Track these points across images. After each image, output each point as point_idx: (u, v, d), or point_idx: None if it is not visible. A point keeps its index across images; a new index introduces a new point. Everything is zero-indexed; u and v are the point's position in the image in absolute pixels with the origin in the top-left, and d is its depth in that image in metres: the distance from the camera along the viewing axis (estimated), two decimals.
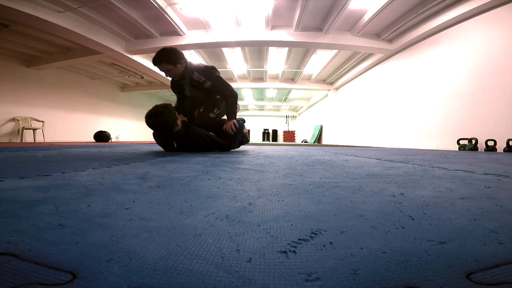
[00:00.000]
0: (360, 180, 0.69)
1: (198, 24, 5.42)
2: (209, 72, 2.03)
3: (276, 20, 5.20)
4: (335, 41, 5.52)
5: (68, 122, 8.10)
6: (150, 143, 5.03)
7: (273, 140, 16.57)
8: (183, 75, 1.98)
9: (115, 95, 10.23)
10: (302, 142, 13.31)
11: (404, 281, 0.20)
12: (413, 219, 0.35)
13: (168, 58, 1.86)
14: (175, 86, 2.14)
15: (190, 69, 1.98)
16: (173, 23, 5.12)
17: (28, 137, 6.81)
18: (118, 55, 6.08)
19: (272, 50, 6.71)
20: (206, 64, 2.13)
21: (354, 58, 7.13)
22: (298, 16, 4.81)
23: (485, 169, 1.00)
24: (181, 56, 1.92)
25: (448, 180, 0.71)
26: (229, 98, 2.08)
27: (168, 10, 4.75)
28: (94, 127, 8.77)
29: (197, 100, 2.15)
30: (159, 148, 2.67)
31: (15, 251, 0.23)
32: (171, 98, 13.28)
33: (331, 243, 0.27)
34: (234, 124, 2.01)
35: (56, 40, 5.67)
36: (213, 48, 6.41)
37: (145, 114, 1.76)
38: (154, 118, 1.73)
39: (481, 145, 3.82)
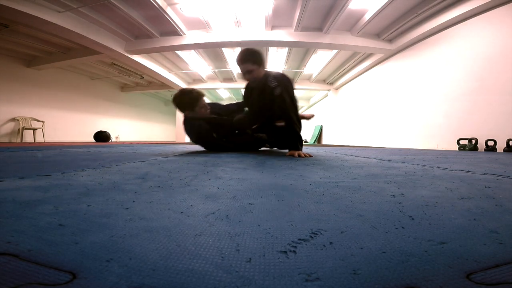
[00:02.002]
0: (360, 180, 0.69)
1: (198, 24, 5.42)
2: (283, 80, 1.72)
3: (276, 20, 5.20)
4: (335, 41, 5.52)
5: (68, 122, 8.10)
6: (150, 143, 5.03)
7: None
8: (260, 80, 1.78)
9: (115, 95, 10.24)
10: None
11: (404, 281, 0.20)
12: (413, 219, 0.35)
13: (255, 58, 1.75)
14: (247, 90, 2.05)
15: (267, 74, 1.78)
16: (173, 23, 5.12)
17: (28, 137, 6.81)
18: (118, 55, 6.08)
19: (272, 50, 6.71)
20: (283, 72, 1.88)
21: (354, 58, 7.13)
22: (298, 16, 4.81)
23: (485, 169, 1.00)
24: (265, 59, 1.81)
25: (448, 180, 0.71)
26: (292, 123, 1.63)
27: (168, 10, 4.76)
28: (94, 127, 8.78)
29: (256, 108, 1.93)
30: (158, 148, 2.67)
31: (15, 251, 0.23)
32: (171, 98, 13.26)
33: (331, 243, 0.27)
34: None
35: (56, 40, 5.67)
36: (213, 48, 6.41)
37: (173, 96, 1.92)
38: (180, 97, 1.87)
39: (481, 145, 3.82)
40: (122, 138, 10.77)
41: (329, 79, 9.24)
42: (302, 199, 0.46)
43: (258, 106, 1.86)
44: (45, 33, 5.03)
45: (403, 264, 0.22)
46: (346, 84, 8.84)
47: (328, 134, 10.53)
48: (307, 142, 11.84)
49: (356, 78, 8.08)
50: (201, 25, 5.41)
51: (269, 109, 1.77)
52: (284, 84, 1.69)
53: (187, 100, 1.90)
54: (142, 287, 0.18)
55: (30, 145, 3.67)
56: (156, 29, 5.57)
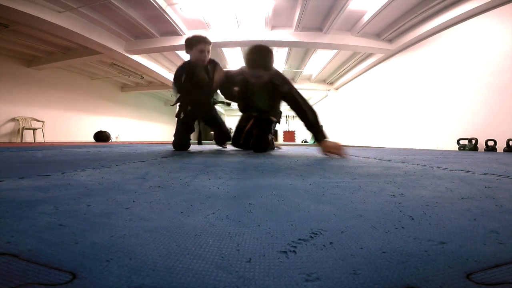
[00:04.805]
0: (360, 180, 0.69)
1: (198, 24, 5.42)
2: (285, 78, 1.79)
3: (276, 20, 5.20)
4: (335, 41, 5.52)
5: (68, 122, 8.10)
6: (150, 143, 5.03)
7: None
8: (262, 77, 1.79)
9: (115, 95, 10.23)
10: (302, 142, 13.30)
11: (404, 281, 0.20)
12: (413, 219, 0.35)
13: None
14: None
15: (274, 73, 1.78)
16: (173, 23, 5.12)
17: (28, 137, 6.81)
18: (118, 55, 6.08)
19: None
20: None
21: (354, 58, 7.13)
22: (298, 16, 4.81)
23: (485, 169, 1.00)
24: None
25: (448, 180, 0.71)
26: (309, 113, 1.76)
27: (168, 10, 4.75)
28: (94, 127, 8.77)
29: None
30: (158, 148, 2.66)
31: (15, 251, 0.23)
32: (171, 98, 13.27)
33: (331, 243, 0.27)
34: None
35: (56, 40, 5.66)
36: (213, 48, 6.41)
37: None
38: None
39: (481, 145, 3.82)
40: (122, 138, 10.76)
41: (329, 79, 9.24)
42: (302, 199, 0.46)
43: (269, 101, 1.98)
44: (45, 33, 5.02)
45: (403, 264, 0.22)
46: (346, 84, 8.84)
47: (328, 134, 10.53)
48: (307, 142, 11.84)
49: (356, 78, 8.08)
50: (201, 25, 5.41)
51: (273, 105, 1.97)
52: (288, 82, 1.78)
53: (188, 40, 1.98)
54: (142, 287, 0.18)
55: (30, 145, 3.67)
56: (156, 29, 5.57)
